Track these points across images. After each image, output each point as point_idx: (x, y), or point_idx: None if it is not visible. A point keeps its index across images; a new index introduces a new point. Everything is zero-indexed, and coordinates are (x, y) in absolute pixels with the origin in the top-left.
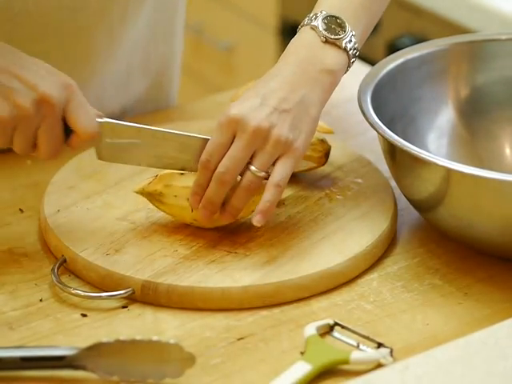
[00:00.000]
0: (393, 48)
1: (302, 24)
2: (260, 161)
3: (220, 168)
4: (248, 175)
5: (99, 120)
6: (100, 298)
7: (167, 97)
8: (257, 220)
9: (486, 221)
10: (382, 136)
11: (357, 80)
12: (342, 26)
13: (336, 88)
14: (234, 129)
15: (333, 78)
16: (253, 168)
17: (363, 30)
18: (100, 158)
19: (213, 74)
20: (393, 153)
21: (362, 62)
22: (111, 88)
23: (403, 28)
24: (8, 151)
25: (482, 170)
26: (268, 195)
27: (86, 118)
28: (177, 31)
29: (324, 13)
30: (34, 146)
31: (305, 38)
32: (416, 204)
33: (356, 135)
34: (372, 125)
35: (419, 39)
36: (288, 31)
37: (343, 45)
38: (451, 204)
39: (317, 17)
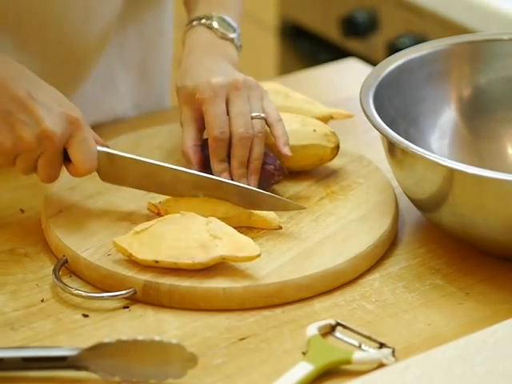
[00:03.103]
0: (393, 48)
1: (191, 24)
2: (255, 106)
3: (239, 129)
4: (256, 123)
5: (99, 149)
6: (102, 298)
7: (159, 99)
8: (287, 150)
9: (489, 220)
10: (385, 136)
11: (357, 80)
12: (232, 27)
13: (336, 88)
14: (226, 93)
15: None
16: (255, 114)
17: (240, 28)
18: (102, 179)
19: None
20: (395, 153)
21: (362, 61)
22: (103, 91)
23: (403, 28)
24: None
25: (484, 170)
26: (280, 129)
27: (85, 154)
28: (164, 32)
29: (217, 15)
30: (34, 169)
31: (204, 36)
32: (418, 204)
33: (356, 135)
34: (374, 125)
35: (419, 39)
36: (288, 31)
37: (236, 42)
38: (454, 204)
39: (211, 18)
